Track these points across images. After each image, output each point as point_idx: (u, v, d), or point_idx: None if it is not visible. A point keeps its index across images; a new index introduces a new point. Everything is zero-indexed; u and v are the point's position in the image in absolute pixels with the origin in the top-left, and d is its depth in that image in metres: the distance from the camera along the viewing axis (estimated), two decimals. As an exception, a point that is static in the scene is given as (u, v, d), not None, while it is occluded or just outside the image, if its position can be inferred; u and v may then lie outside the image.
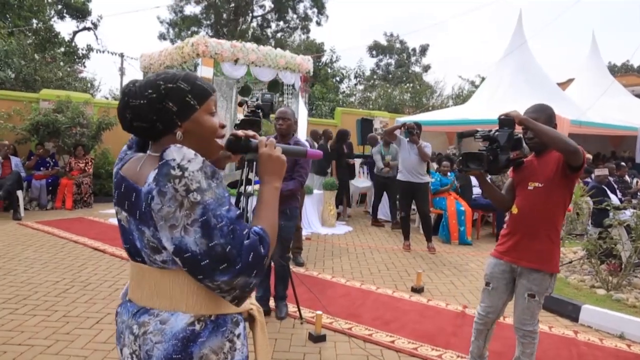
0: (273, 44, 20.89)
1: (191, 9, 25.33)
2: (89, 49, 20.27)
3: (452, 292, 4.69)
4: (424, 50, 30.28)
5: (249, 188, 3.46)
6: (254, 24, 26.58)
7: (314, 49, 23.26)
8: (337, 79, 23.66)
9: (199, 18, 25.33)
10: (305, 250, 5.92)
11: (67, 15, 21.15)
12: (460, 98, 20.73)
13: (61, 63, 14.90)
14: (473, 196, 7.64)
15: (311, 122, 10.22)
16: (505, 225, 2.72)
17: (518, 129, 2.48)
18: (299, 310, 3.73)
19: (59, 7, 20.90)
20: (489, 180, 2.71)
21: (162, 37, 25.71)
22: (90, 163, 8.78)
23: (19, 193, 7.49)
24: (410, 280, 4.95)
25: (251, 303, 1.31)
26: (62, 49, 18.87)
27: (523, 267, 2.51)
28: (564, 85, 14.79)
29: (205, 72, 6.44)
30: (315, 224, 7.45)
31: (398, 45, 30.22)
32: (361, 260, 5.80)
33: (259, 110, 3.42)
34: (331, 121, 13.25)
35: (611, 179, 7.92)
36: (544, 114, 2.49)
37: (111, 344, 3.17)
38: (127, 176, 1.20)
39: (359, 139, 10.94)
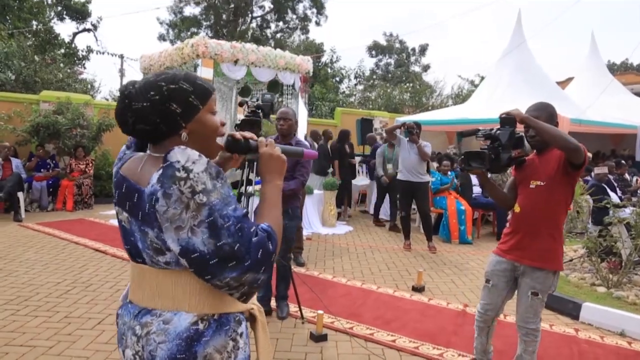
0: (273, 45, 20.90)
1: (191, 10, 25.38)
2: (89, 50, 20.32)
3: (453, 291, 4.70)
4: (423, 50, 30.30)
5: (250, 188, 3.46)
6: (254, 24, 26.60)
7: (314, 49, 23.28)
8: (337, 79, 23.66)
9: (198, 19, 25.35)
10: (306, 250, 5.93)
11: (67, 17, 21.18)
12: (460, 97, 20.73)
13: (61, 64, 14.90)
14: (473, 195, 7.65)
15: (311, 123, 10.23)
16: (507, 224, 2.73)
17: (520, 128, 2.49)
18: (300, 310, 3.74)
19: (59, 8, 20.93)
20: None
21: (161, 38, 25.74)
22: (90, 164, 8.79)
23: (20, 194, 7.49)
24: (411, 280, 4.95)
25: (252, 303, 1.30)
26: (62, 51, 18.89)
27: (526, 266, 2.52)
28: (563, 84, 14.80)
29: (205, 72, 6.45)
30: (316, 224, 7.46)
31: (397, 45, 30.25)
32: (362, 260, 5.81)
33: (260, 111, 3.43)
34: (331, 121, 13.26)
35: (611, 177, 7.92)
36: (545, 112, 2.50)
37: (113, 344, 3.18)
38: (128, 176, 1.20)
39: (359, 139, 10.96)
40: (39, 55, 14.31)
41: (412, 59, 30.49)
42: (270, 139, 1.37)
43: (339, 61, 24.24)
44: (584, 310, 3.96)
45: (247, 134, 1.36)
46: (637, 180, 8.99)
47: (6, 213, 7.61)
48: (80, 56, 20.15)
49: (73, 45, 20.63)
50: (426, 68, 30.14)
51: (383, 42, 30.44)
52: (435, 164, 8.38)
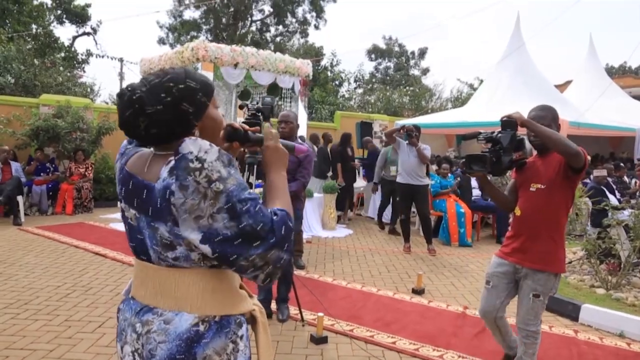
0: (272, 48, 20.96)
1: (190, 14, 25.46)
2: (89, 53, 20.37)
3: (453, 294, 4.70)
4: (422, 53, 30.41)
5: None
6: (253, 28, 26.67)
7: (313, 53, 23.35)
8: (337, 82, 23.72)
9: (198, 23, 25.42)
10: (306, 253, 5.94)
11: (66, 21, 21.25)
12: (459, 101, 20.79)
13: (61, 68, 14.92)
14: (473, 198, 7.66)
15: (311, 126, 10.26)
16: (509, 228, 2.75)
17: (522, 131, 2.50)
18: (301, 312, 3.75)
19: (59, 12, 20.99)
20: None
21: (161, 41, 25.81)
22: (90, 168, 8.79)
23: (19, 198, 7.50)
24: (410, 282, 4.96)
25: (253, 304, 1.31)
26: (62, 54, 18.91)
27: (528, 268, 2.53)
28: (562, 87, 14.86)
29: (205, 76, 6.47)
30: (316, 227, 7.46)
31: (397, 48, 30.35)
32: (362, 262, 5.81)
33: (260, 114, 3.43)
34: (331, 124, 13.29)
35: (610, 179, 7.95)
36: (550, 112, 2.53)
37: (113, 347, 3.18)
38: (135, 173, 1.20)
39: (359, 142, 10.98)
40: (38, 58, 14.36)
41: (412, 62, 30.60)
42: (275, 131, 1.40)
43: (339, 65, 24.29)
44: (583, 312, 3.97)
45: (247, 127, 1.39)
46: (635, 182, 9.01)
47: (6, 217, 7.60)
48: (80, 60, 20.20)
49: (73, 49, 20.66)
50: (425, 71, 30.26)
51: (382, 46, 30.55)
52: (434, 167, 8.40)
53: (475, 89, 19.37)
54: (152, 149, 1.25)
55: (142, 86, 1.17)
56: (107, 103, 18.59)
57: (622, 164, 9.42)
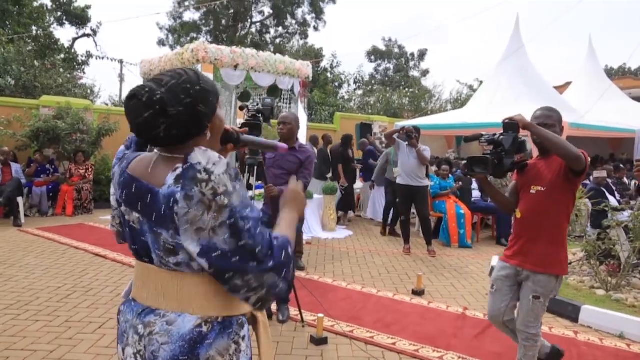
0: (272, 50, 20.97)
1: (190, 16, 25.48)
2: (89, 55, 20.37)
3: (453, 295, 4.71)
4: (422, 55, 30.45)
5: (250, 193, 3.48)
6: (253, 29, 26.70)
7: (313, 55, 23.37)
8: (337, 84, 23.74)
9: (198, 24, 25.44)
10: (306, 254, 5.94)
11: (66, 22, 21.26)
12: (459, 102, 20.80)
13: (61, 69, 14.95)
14: (472, 199, 7.67)
15: (311, 128, 10.27)
16: (512, 230, 2.75)
17: (524, 133, 2.50)
18: (301, 313, 3.75)
19: (59, 14, 21.01)
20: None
21: (161, 43, 25.82)
22: (90, 169, 8.80)
23: (20, 200, 7.50)
24: (410, 283, 4.96)
25: None
26: (62, 56, 18.94)
27: (529, 271, 2.53)
28: (561, 88, 14.87)
29: (205, 77, 6.47)
30: (316, 229, 7.47)
31: (396, 50, 30.38)
32: (362, 264, 5.82)
33: (260, 115, 3.45)
34: (330, 126, 13.30)
35: (610, 181, 7.96)
36: (556, 114, 2.55)
37: (113, 348, 3.18)
38: (138, 176, 1.19)
39: (358, 144, 10.99)
40: (38, 60, 14.35)
41: (411, 64, 30.64)
42: (300, 184, 1.49)
43: (339, 66, 24.33)
44: (583, 313, 3.98)
45: (238, 130, 1.41)
46: (635, 184, 9.02)
47: (6, 218, 7.61)
48: (80, 61, 20.20)
49: (73, 51, 20.67)
50: (425, 73, 30.29)
51: (382, 48, 30.59)
52: (434, 168, 8.41)
53: (474, 91, 19.40)
54: (155, 150, 1.24)
55: (160, 87, 1.15)
56: (107, 105, 18.61)
57: (622, 165, 9.43)
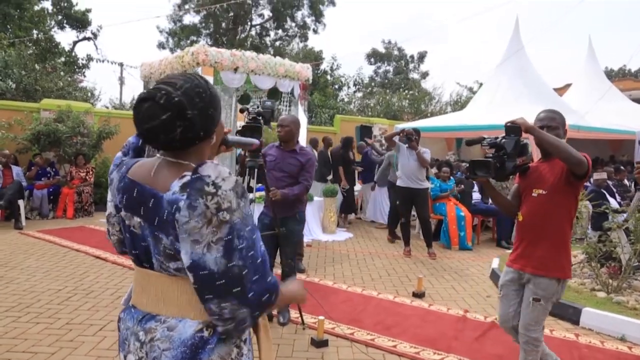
0: (272, 53, 21.00)
1: (190, 19, 25.51)
2: (89, 58, 20.40)
3: (453, 297, 4.70)
4: (422, 57, 30.48)
5: (250, 195, 3.49)
6: (253, 32, 26.74)
7: (313, 57, 23.40)
8: (336, 86, 23.76)
9: (198, 27, 25.48)
10: (306, 256, 5.95)
11: (67, 26, 21.30)
12: (458, 104, 20.81)
13: (61, 73, 14.94)
14: (473, 201, 7.67)
15: (311, 130, 10.27)
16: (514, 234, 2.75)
17: (526, 135, 2.50)
18: (301, 316, 3.75)
19: (59, 17, 21.05)
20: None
21: (161, 46, 25.85)
22: (91, 172, 8.81)
23: (21, 202, 7.50)
24: (411, 286, 4.96)
25: None
26: (63, 59, 18.97)
27: (530, 274, 2.52)
28: (561, 90, 14.88)
29: (205, 80, 6.47)
30: (316, 231, 7.46)
31: (396, 52, 30.42)
32: (362, 266, 5.81)
33: (260, 117, 3.46)
34: (330, 128, 13.31)
35: (610, 182, 7.96)
36: (560, 116, 2.55)
37: (114, 350, 3.19)
38: (140, 181, 1.19)
39: (357, 146, 10.99)
40: (39, 63, 14.37)
41: (411, 66, 30.67)
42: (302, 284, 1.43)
43: (339, 69, 24.33)
44: (584, 315, 3.97)
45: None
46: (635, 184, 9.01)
47: (7, 221, 7.61)
48: (81, 64, 20.23)
49: (73, 54, 20.72)
50: (425, 75, 30.31)
51: (382, 50, 30.62)
52: (434, 170, 8.42)
53: (474, 93, 19.41)
54: (157, 155, 1.24)
55: (176, 90, 1.15)
56: (107, 108, 18.64)
57: (622, 167, 9.43)
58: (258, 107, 3.55)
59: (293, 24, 26.48)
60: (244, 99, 8.13)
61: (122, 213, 1.23)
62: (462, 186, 7.59)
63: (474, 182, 7.17)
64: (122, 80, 22.71)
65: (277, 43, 26.61)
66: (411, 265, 5.97)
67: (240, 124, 6.95)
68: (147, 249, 1.18)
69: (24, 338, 3.36)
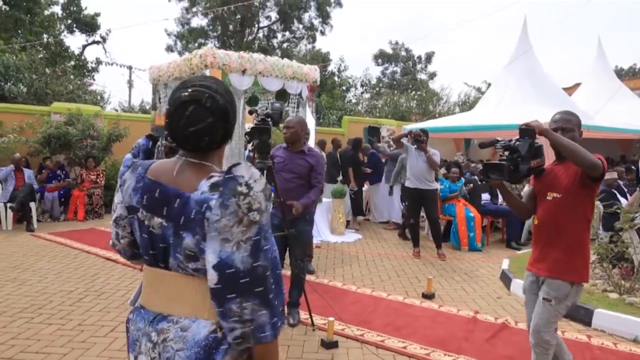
0: (279, 54, 21.07)
1: (198, 22, 25.66)
2: (98, 62, 20.62)
3: (463, 298, 4.68)
4: (429, 57, 30.39)
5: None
6: (260, 34, 26.82)
7: (320, 59, 23.42)
8: (344, 88, 23.76)
9: (205, 30, 25.61)
10: (315, 258, 5.94)
11: (76, 30, 21.56)
12: (467, 105, 20.71)
13: (71, 76, 15.09)
14: (482, 202, 7.63)
15: (319, 131, 10.28)
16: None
17: (543, 141, 2.48)
18: (311, 317, 3.75)
19: (69, 21, 21.30)
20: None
21: (169, 49, 26.01)
22: (101, 174, 8.89)
23: (32, 205, 7.60)
24: (420, 287, 4.95)
25: None
26: (72, 63, 19.17)
27: (544, 277, 2.50)
28: (570, 89, 14.75)
29: (213, 83, 6.50)
30: (325, 232, 7.46)
31: (403, 53, 30.36)
32: (371, 267, 5.81)
33: (269, 119, 3.47)
34: (338, 129, 13.31)
35: (621, 182, 7.88)
36: (576, 118, 2.52)
37: (125, 351, 3.19)
38: (162, 181, 1.20)
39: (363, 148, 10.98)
40: (50, 67, 14.53)
41: (418, 66, 30.58)
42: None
43: (347, 70, 24.32)
44: (596, 317, 3.94)
45: None
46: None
47: (19, 223, 7.70)
48: (90, 68, 20.45)
49: (83, 57, 20.93)
50: (432, 75, 30.20)
51: (389, 51, 30.58)
52: (443, 171, 8.38)
53: (482, 93, 19.31)
54: (177, 156, 1.25)
55: (217, 93, 1.19)
56: (116, 110, 18.80)
57: (633, 167, 9.33)
58: (267, 109, 3.57)
59: (300, 26, 26.52)
60: (252, 100, 8.16)
61: (141, 214, 1.23)
62: (472, 185, 7.55)
63: (489, 185, 7.14)
64: (130, 83, 22.92)
65: (285, 45, 26.67)
66: (421, 266, 5.95)
67: (248, 125, 6.98)
68: (166, 249, 1.19)
69: (37, 339, 3.40)
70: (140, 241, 1.26)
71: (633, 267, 4.55)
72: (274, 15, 26.16)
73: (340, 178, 8.41)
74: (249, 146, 3.61)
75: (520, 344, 3.44)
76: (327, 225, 7.62)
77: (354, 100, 23.66)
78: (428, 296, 4.60)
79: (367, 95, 25.27)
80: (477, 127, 9.69)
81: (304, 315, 3.84)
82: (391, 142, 10.92)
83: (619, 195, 7.02)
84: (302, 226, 3.77)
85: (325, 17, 25.81)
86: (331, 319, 3.47)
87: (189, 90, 1.17)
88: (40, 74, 12.61)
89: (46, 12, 19.75)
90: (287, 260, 3.89)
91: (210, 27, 25.64)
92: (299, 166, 3.81)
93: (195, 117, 1.16)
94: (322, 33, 26.41)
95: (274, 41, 26.80)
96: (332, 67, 23.46)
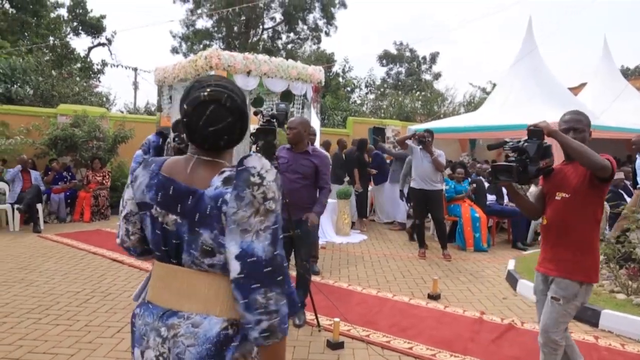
0: (284, 55, 21.09)
1: (203, 23, 25.75)
2: (104, 64, 20.76)
3: (469, 299, 4.67)
4: (433, 58, 30.33)
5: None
6: (265, 36, 26.88)
7: (325, 60, 23.43)
8: (349, 89, 23.76)
9: (210, 31, 25.70)
10: (320, 259, 5.95)
11: (82, 32, 21.69)
12: (472, 105, 20.65)
13: (77, 78, 15.22)
14: (487, 202, 7.60)
15: (324, 132, 10.28)
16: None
17: (551, 141, 2.47)
18: (317, 317, 3.75)
19: (75, 24, 21.43)
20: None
21: (174, 50, 26.11)
22: (107, 176, 8.94)
23: (39, 206, 7.65)
24: (426, 288, 4.93)
25: None
26: (78, 65, 19.31)
27: (554, 276, 2.49)
28: (576, 89, 14.68)
29: (218, 84, 6.53)
30: (330, 233, 7.46)
31: (408, 53, 30.32)
32: (377, 268, 5.80)
33: (274, 120, 3.48)
34: (343, 130, 13.31)
35: (627, 182, 7.82)
36: (586, 118, 2.51)
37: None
38: (176, 178, 1.21)
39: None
40: (56, 69, 14.63)
41: (423, 67, 30.53)
42: None
43: (351, 71, 24.32)
44: (604, 318, 3.91)
45: None
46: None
47: (26, 224, 7.75)
48: (96, 70, 20.59)
49: (88, 59, 21.08)
50: (437, 76, 30.13)
51: (393, 51, 30.54)
52: (448, 172, 8.36)
53: (487, 93, 19.25)
54: (188, 153, 1.27)
55: (234, 93, 1.21)
56: (122, 112, 18.87)
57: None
58: (272, 110, 3.58)
59: (305, 27, 26.55)
60: (257, 102, 8.17)
61: (155, 210, 1.23)
62: (475, 185, 7.52)
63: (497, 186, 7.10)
64: (136, 85, 22.98)
65: (289, 46, 26.71)
66: (426, 267, 5.94)
67: (253, 126, 6.98)
68: (179, 246, 1.20)
69: (44, 340, 3.42)
70: (153, 237, 1.26)
71: (640, 267, 4.51)
72: (278, 16, 26.24)
73: (347, 179, 8.41)
74: (254, 147, 3.62)
75: (527, 345, 3.42)
76: (332, 226, 7.62)
77: (358, 101, 23.66)
78: (434, 297, 4.59)
79: (371, 96, 25.26)
80: (483, 128, 9.66)
81: (309, 316, 3.85)
82: (396, 144, 10.92)
83: (625, 196, 6.97)
84: (307, 227, 3.78)
85: (329, 18, 25.83)
86: (337, 319, 3.47)
87: (208, 90, 1.17)
88: (46, 76, 12.70)
89: (52, 15, 19.89)
90: (292, 261, 3.89)
91: (215, 29, 25.72)
92: (304, 166, 3.81)
93: (216, 117, 1.17)
94: (327, 34, 26.45)
95: (279, 42, 26.86)
96: (336, 68, 23.47)
